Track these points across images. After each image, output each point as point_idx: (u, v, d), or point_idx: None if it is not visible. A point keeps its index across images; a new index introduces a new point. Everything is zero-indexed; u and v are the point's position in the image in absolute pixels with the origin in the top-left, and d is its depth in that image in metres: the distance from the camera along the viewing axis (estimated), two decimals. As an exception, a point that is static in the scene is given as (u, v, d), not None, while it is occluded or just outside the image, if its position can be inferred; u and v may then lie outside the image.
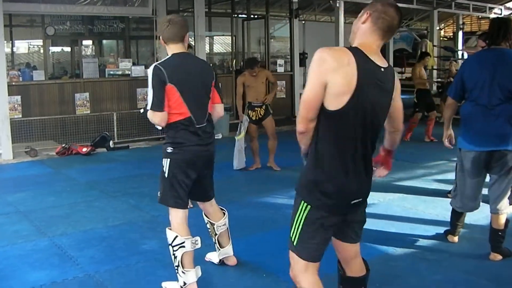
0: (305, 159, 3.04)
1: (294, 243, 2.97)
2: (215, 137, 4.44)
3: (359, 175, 2.93)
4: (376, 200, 6.70)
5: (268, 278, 4.51)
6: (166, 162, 4.06)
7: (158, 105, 3.89)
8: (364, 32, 2.87)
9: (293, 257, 3.00)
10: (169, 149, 4.04)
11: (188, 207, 4.25)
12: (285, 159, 8.77)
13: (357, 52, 2.77)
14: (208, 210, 4.54)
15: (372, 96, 2.78)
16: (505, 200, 4.72)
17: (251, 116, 8.33)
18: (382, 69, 2.83)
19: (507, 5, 20.83)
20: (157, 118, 3.92)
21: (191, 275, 4.06)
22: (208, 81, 4.14)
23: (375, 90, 2.79)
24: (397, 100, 3.06)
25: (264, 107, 8.38)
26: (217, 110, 4.27)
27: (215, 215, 4.55)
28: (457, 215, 5.13)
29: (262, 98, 8.34)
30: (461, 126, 4.79)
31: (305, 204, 2.91)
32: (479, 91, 4.56)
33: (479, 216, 5.53)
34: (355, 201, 2.99)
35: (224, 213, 4.61)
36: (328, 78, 2.68)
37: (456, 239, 5.20)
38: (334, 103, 2.72)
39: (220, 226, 4.55)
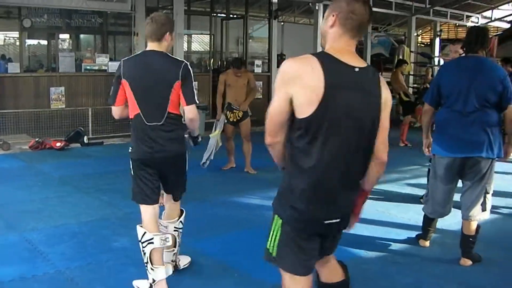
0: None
1: (273, 254, 2.78)
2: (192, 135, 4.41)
3: (336, 194, 2.69)
4: (350, 203, 6.74)
5: (240, 277, 4.50)
6: (130, 161, 4.12)
7: (112, 98, 4.12)
8: (334, 37, 2.65)
9: (280, 271, 2.82)
10: (130, 148, 4.13)
11: (159, 204, 4.22)
12: (261, 160, 8.75)
13: (323, 56, 2.57)
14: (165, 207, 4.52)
15: (349, 100, 2.55)
16: (478, 207, 4.76)
17: (229, 117, 8.26)
18: (357, 69, 2.58)
19: (484, 14, 21.10)
20: (112, 111, 4.15)
21: (160, 272, 4.03)
22: (170, 80, 4.01)
23: (351, 94, 2.56)
24: (385, 119, 2.73)
25: (243, 110, 8.29)
26: (185, 112, 4.12)
27: (169, 215, 4.48)
28: (428, 220, 5.19)
29: (240, 101, 8.22)
30: (435, 132, 4.84)
31: (278, 217, 2.76)
32: (455, 98, 4.60)
33: (451, 221, 5.59)
34: (329, 221, 2.72)
35: (177, 217, 4.47)
36: (292, 90, 2.50)
37: (427, 243, 5.25)
38: (303, 112, 2.52)
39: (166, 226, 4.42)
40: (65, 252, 4.88)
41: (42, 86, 11.32)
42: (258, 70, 15.47)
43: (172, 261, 4.45)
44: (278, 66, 16.84)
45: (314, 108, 2.49)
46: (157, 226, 4.16)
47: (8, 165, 8.62)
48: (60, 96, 11.38)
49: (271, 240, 2.77)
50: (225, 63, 17.06)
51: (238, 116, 8.27)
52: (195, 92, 4.14)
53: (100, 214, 6.05)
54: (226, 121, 8.24)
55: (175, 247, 4.45)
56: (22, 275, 4.41)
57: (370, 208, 6.53)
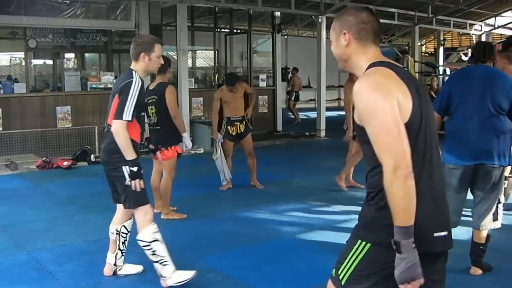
0: None
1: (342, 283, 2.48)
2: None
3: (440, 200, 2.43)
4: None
5: (249, 293, 4.49)
6: None
7: None
8: (358, 53, 2.48)
9: None
10: None
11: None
12: (266, 174, 8.79)
13: (384, 63, 2.40)
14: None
15: (421, 99, 2.35)
16: (489, 217, 4.73)
17: (230, 131, 8.02)
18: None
19: (487, 21, 21.12)
20: None
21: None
22: (113, 94, 4.36)
23: (419, 91, 2.38)
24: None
25: (244, 122, 8.11)
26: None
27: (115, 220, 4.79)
28: None
29: (241, 113, 8.08)
30: (446, 141, 4.78)
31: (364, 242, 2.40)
32: (467, 105, 4.57)
33: (460, 231, 5.54)
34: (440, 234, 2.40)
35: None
36: (395, 94, 2.25)
37: None
38: (404, 118, 2.25)
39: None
40: (74, 271, 4.89)
41: (48, 105, 11.38)
42: (263, 84, 15.51)
43: (114, 264, 4.73)
44: (282, 80, 16.93)
45: (411, 110, 2.27)
46: (116, 223, 4.72)
47: (16, 185, 8.65)
48: (66, 115, 11.43)
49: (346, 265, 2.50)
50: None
51: (240, 130, 8.05)
52: (129, 109, 4.17)
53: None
54: (222, 140, 7.98)
55: (120, 249, 4.71)
56: (32, 294, 4.43)
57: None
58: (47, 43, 13.55)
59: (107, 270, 4.71)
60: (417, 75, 17.41)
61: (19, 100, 11.09)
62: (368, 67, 2.41)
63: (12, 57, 16.44)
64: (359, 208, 6.56)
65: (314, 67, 14.87)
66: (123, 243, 4.72)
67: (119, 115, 4.16)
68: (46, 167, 9.91)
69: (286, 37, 20.74)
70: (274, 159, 11.09)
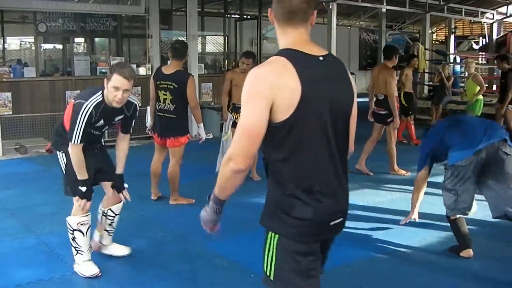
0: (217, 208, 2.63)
1: (271, 278, 2.57)
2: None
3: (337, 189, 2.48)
4: (366, 202, 6.73)
5: (256, 278, 4.50)
6: None
7: None
8: (280, 33, 2.42)
9: None
10: None
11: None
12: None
13: (288, 53, 2.34)
14: None
15: (324, 90, 2.34)
16: None
17: (234, 118, 7.81)
18: (321, 58, 2.39)
19: (499, 9, 20.93)
20: None
21: None
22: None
23: (325, 84, 2.36)
24: (354, 109, 2.56)
25: None
26: None
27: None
28: (461, 227, 4.97)
29: None
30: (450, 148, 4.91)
31: (273, 234, 2.52)
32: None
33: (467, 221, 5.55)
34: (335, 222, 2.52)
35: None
36: (272, 94, 2.25)
37: (471, 252, 4.93)
38: (283, 115, 2.27)
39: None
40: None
41: (58, 90, 11.39)
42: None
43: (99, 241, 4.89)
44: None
45: (295, 107, 2.26)
46: (104, 204, 4.93)
47: (25, 169, 8.70)
48: (76, 99, 11.43)
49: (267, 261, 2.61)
50: (239, 64, 17.06)
51: None
52: (76, 135, 4.25)
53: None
54: (232, 119, 7.87)
55: (106, 230, 4.85)
56: (39, 277, 4.46)
57: (386, 207, 6.53)
58: (57, 27, 13.58)
59: (94, 246, 4.76)
60: (427, 63, 17.33)
61: (29, 84, 11.11)
62: (280, 50, 2.38)
63: (22, 41, 16.45)
64: (364, 195, 6.58)
65: (323, 54, 14.76)
66: (110, 224, 4.83)
67: (70, 138, 4.26)
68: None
69: (296, 23, 20.64)
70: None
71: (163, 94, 6.37)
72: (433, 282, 4.47)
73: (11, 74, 11.07)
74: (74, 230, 4.44)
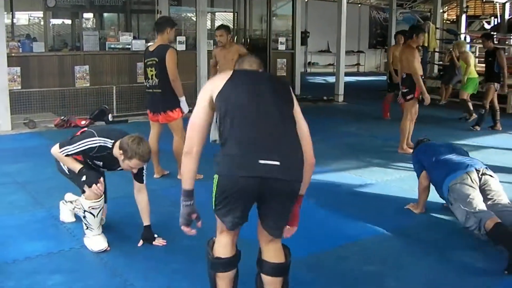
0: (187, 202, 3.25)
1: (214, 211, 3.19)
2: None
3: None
4: (374, 180, 6.72)
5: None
6: None
7: None
8: None
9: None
10: None
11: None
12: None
13: None
14: None
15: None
16: None
17: None
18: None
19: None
20: None
21: None
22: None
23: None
24: (299, 117, 3.23)
25: None
26: None
27: None
28: (502, 229, 4.49)
29: None
30: (441, 178, 5.14)
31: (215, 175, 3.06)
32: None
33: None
34: (266, 162, 2.93)
35: None
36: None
37: None
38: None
39: None
40: (91, 228, 4.93)
41: (66, 64, 11.37)
42: (282, 47, 15.38)
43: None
44: (302, 44, 16.79)
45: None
46: None
47: (35, 143, 8.72)
48: (85, 74, 11.43)
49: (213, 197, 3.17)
50: (248, 40, 17.00)
51: None
52: (73, 146, 4.44)
53: (125, 191, 6.04)
54: None
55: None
56: (48, 250, 4.49)
57: (395, 185, 6.52)
58: (66, 2, 13.53)
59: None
60: (438, 42, 17.19)
61: (38, 59, 11.08)
62: None
63: (31, 16, 16.41)
64: (377, 174, 6.57)
65: (333, 32, 14.68)
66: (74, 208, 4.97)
67: (62, 144, 4.43)
68: (64, 125, 9.96)
69: (306, 0, 20.48)
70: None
71: (150, 71, 6.40)
72: (442, 260, 4.46)
73: (20, 49, 11.03)
74: (85, 211, 4.45)
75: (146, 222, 4.67)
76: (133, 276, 4.06)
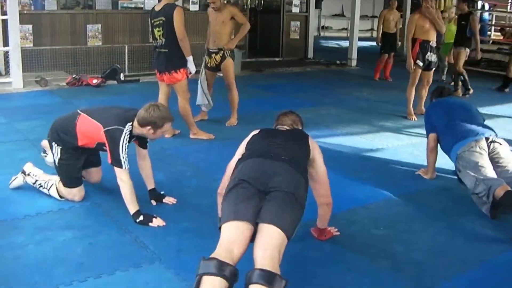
0: None
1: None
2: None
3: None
4: (385, 145, 6.70)
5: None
6: None
7: None
8: None
9: None
10: None
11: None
12: (296, 100, 8.78)
13: None
14: None
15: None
16: None
17: (207, 63, 7.44)
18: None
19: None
20: None
21: None
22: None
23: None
24: (319, 161, 3.72)
25: (221, 53, 7.32)
26: None
27: None
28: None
29: (220, 43, 7.27)
30: (450, 145, 5.15)
31: None
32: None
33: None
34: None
35: None
36: None
37: None
38: None
39: None
40: (101, 186, 4.96)
41: (78, 23, 11.33)
42: (296, 10, 15.24)
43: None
44: (316, 7, 16.60)
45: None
46: None
47: (46, 101, 8.73)
48: (97, 33, 11.40)
49: None
50: (262, 2, 16.82)
51: (216, 61, 7.36)
52: (120, 152, 4.31)
53: (136, 149, 6.10)
54: (204, 66, 7.49)
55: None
56: (60, 206, 4.52)
57: (406, 151, 6.50)
58: (79, -41, 13.36)
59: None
60: (454, 9, 16.94)
61: (50, 16, 11.04)
62: None
63: (43, -27, 16.24)
64: (389, 139, 6.53)
65: (348, -5, 14.54)
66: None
67: (119, 165, 4.28)
68: (75, 84, 9.96)
69: (321, -38, 20.20)
70: (304, 86, 11.03)
71: (158, 31, 6.33)
72: (451, 226, 4.47)
73: (32, 6, 10.99)
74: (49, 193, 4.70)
75: (151, 186, 4.72)
76: (143, 233, 4.09)
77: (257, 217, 3.06)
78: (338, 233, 4.08)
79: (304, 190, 3.34)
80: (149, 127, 4.28)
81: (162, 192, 4.75)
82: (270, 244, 2.93)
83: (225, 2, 7.64)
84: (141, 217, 4.23)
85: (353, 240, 4.14)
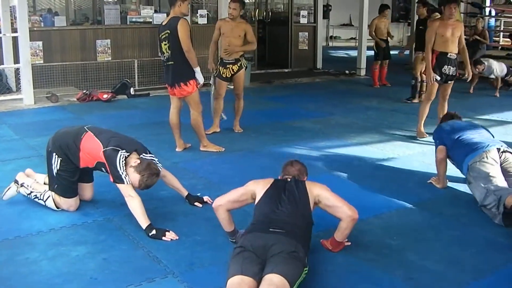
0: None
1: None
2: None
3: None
4: (396, 155, 6.69)
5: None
6: None
7: None
8: None
9: None
10: None
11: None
12: (305, 111, 8.77)
13: None
14: None
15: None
16: None
17: (222, 73, 7.56)
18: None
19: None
20: None
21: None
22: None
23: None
24: (320, 192, 3.93)
25: (238, 63, 7.56)
26: None
27: None
28: None
29: (236, 54, 7.51)
30: (461, 158, 5.22)
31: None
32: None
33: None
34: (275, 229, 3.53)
35: None
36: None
37: None
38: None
39: None
40: (114, 201, 4.96)
41: (88, 39, 11.41)
42: (304, 20, 15.28)
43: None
44: (324, 17, 16.62)
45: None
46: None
47: (57, 117, 8.78)
48: (106, 48, 11.47)
49: None
50: (270, 14, 16.88)
51: (233, 71, 7.54)
52: (119, 170, 4.43)
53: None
54: (216, 76, 7.62)
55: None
56: (73, 222, 4.55)
57: (417, 160, 6.48)
58: (87, -24, 13.48)
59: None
60: (462, 16, 16.92)
61: (60, 33, 11.13)
62: None
63: (52, -10, 16.40)
64: (400, 148, 6.52)
65: (356, 5, 14.54)
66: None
67: (118, 179, 4.40)
68: (86, 99, 10.02)
69: (328, -27, 20.26)
70: (313, 96, 11.03)
71: (164, 44, 6.36)
72: (463, 234, 4.45)
73: (42, 23, 11.09)
74: (46, 204, 4.80)
75: (185, 192, 4.97)
76: (156, 247, 4.10)
77: (261, 275, 3.24)
78: (349, 243, 4.08)
79: (304, 253, 3.50)
80: (134, 182, 4.40)
81: (199, 194, 4.97)
82: (272, 285, 3.13)
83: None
84: (154, 231, 4.25)
85: (366, 250, 4.13)
